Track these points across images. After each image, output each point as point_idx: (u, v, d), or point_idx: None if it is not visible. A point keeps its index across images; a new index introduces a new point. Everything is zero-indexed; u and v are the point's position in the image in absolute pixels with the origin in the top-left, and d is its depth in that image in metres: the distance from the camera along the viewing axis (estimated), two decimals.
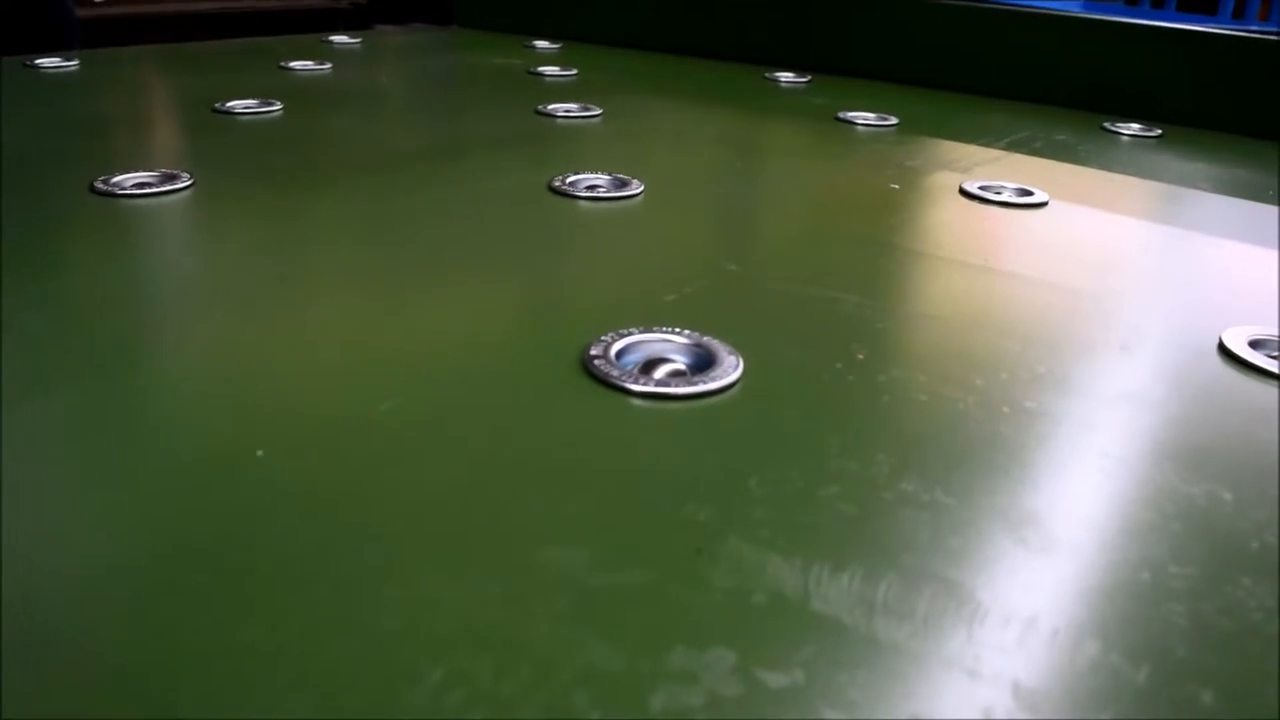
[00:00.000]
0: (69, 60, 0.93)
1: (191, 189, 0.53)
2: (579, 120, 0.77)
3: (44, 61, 0.91)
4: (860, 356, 0.36)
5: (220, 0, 4.11)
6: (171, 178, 0.54)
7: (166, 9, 3.94)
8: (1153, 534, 0.27)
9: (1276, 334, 0.41)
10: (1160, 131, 0.85)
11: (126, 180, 0.53)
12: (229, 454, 0.28)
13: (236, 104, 0.75)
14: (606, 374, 0.33)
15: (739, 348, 0.35)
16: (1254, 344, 0.40)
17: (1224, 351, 0.39)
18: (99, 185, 0.52)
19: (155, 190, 0.52)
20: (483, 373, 0.34)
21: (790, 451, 0.29)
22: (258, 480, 0.26)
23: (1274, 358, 0.39)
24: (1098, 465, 0.30)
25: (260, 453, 0.27)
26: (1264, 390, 0.36)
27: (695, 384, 0.32)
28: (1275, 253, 0.54)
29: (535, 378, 0.33)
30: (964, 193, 0.59)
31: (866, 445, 0.30)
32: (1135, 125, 0.86)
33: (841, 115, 0.82)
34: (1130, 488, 0.29)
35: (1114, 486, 0.29)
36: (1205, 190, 0.69)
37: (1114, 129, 0.85)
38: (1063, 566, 0.25)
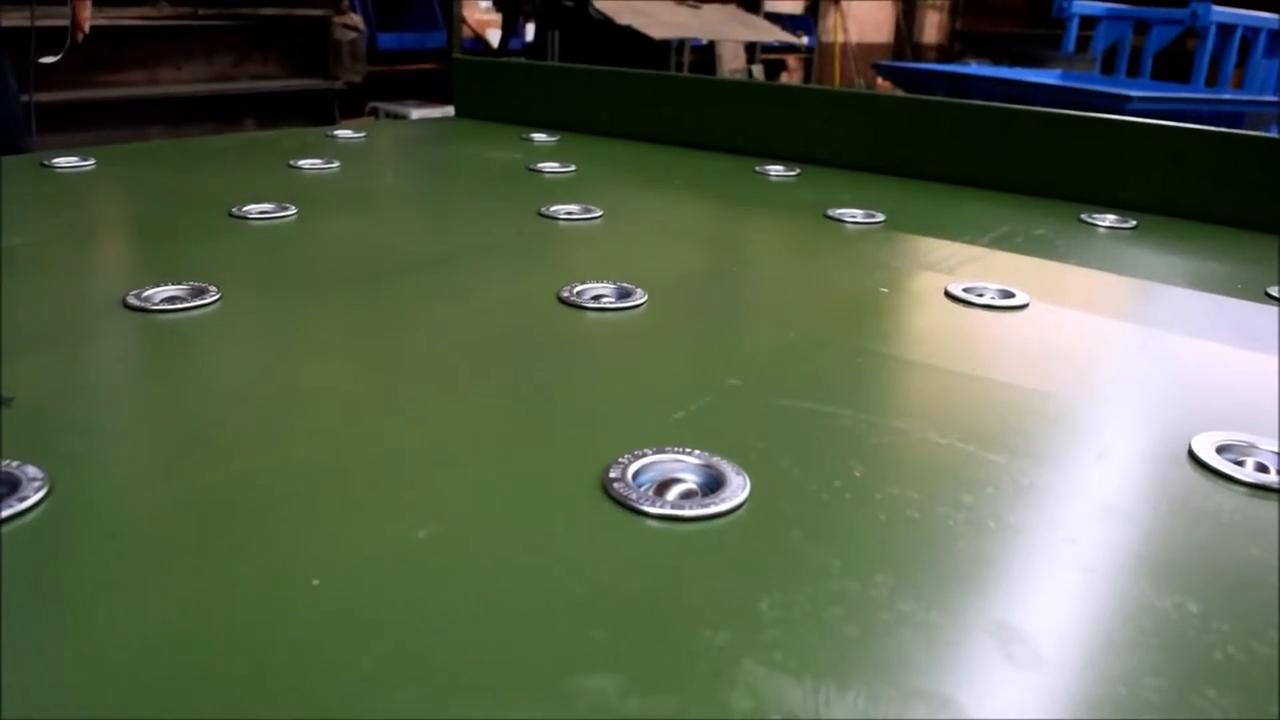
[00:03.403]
0: (85, 160, 0.97)
1: (220, 302, 0.56)
2: (580, 222, 0.81)
3: (60, 161, 0.95)
4: (857, 474, 0.38)
5: (218, 82, 4.21)
6: (200, 291, 0.57)
7: (169, 90, 4.04)
8: (1131, 649, 0.29)
9: (1242, 438, 0.44)
10: (1135, 222, 0.89)
11: (156, 295, 0.57)
12: (277, 579, 0.30)
13: (252, 209, 0.79)
14: (625, 496, 0.35)
15: (745, 466, 0.38)
16: (1221, 450, 0.43)
17: (1193, 458, 0.42)
18: (132, 300, 0.55)
19: (186, 305, 0.55)
20: (512, 498, 0.36)
21: (797, 573, 0.32)
22: (305, 614, 0.29)
23: (1239, 463, 0.42)
24: (1080, 581, 0.33)
25: (316, 582, 0.30)
26: (1227, 497, 0.39)
27: (707, 505, 0.35)
28: (1240, 350, 0.57)
29: (560, 500, 0.36)
30: (949, 295, 0.63)
31: (866, 565, 0.32)
32: (1111, 216, 0.90)
33: (830, 212, 0.86)
34: (1110, 603, 0.32)
35: (1095, 602, 0.32)
36: (1178, 285, 0.73)
37: (1091, 220, 0.89)
38: (1048, 682, 0.28)
